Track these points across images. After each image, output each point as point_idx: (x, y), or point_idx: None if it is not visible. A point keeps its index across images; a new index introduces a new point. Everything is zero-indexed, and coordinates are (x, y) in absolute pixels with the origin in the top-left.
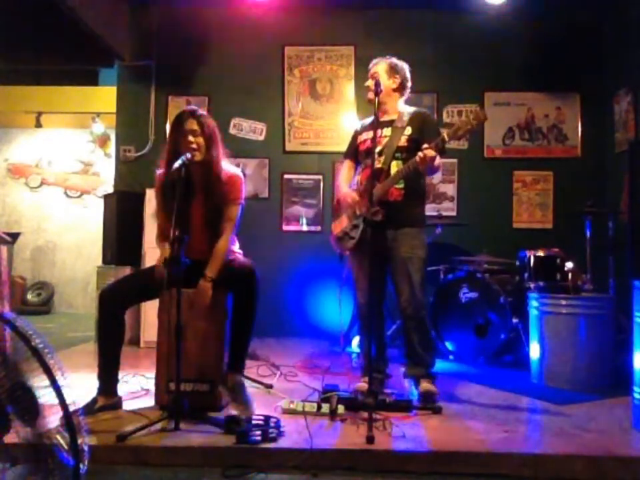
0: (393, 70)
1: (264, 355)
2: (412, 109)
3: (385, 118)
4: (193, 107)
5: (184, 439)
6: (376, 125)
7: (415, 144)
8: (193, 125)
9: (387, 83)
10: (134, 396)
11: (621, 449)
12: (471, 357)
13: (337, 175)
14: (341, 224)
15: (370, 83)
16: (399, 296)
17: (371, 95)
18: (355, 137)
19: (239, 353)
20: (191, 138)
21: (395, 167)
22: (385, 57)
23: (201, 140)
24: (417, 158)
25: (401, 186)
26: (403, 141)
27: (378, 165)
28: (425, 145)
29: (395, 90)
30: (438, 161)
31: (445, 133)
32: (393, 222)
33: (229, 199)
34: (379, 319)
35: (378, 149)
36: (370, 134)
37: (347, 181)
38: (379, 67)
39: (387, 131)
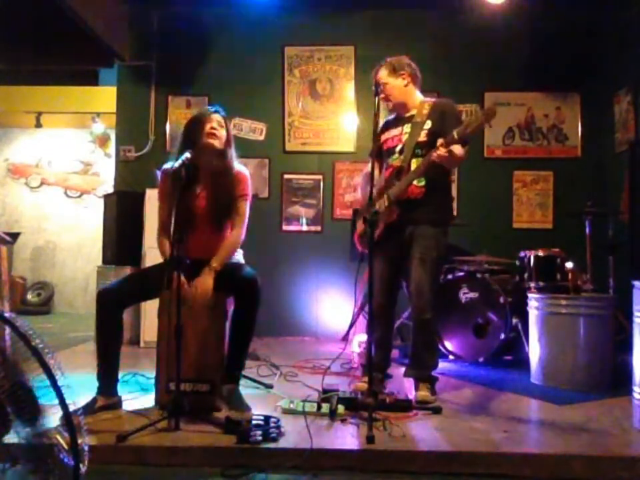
0: (395, 69)
1: (264, 355)
2: (432, 100)
3: (406, 114)
4: (218, 107)
5: (184, 438)
6: (375, 124)
7: (434, 138)
8: (218, 117)
9: (396, 83)
10: (134, 396)
11: (620, 448)
12: (471, 357)
13: (361, 175)
14: (362, 224)
15: (381, 93)
16: (410, 296)
17: (390, 105)
18: (379, 136)
19: (235, 364)
20: (215, 125)
21: (415, 164)
22: (380, 61)
23: (223, 133)
24: (430, 157)
25: (422, 183)
26: (422, 136)
27: (398, 163)
28: (440, 141)
29: (406, 85)
30: (460, 151)
31: (454, 132)
32: (411, 220)
33: (236, 195)
34: (386, 321)
35: (399, 147)
36: (391, 132)
37: (367, 181)
38: (381, 74)
39: (407, 127)
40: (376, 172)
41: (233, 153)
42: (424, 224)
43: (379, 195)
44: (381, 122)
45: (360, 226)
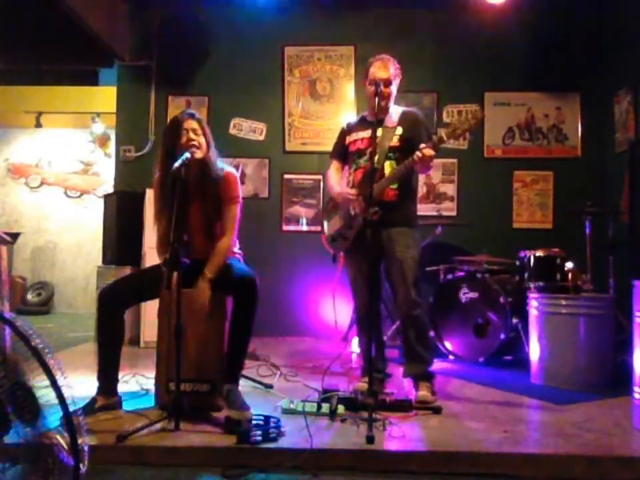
0: (398, 77)
1: (264, 355)
2: (401, 109)
3: (376, 119)
4: (191, 110)
5: (184, 438)
6: (375, 126)
7: (407, 143)
8: (193, 124)
9: (395, 89)
10: (134, 396)
11: (621, 449)
12: (471, 357)
13: (327, 176)
14: (335, 224)
15: (384, 89)
16: (394, 295)
17: (383, 103)
18: (342, 137)
19: (235, 364)
20: (192, 135)
21: (388, 167)
22: (382, 55)
23: (202, 139)
24: (415, 157)
25: (395, 186)
26: (394, 141)
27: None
28: (423, 145)
29: (395, 94)
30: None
31: (442, 132)
32: (387, 222)
33: (226, 198)
34: (376, 319)
35: (370, 149)
36: (359, 134)
37: (338, 182)
38: (393, 72)
39: (378, 131)
40: (338, 173)
41: (213, 153)
42: (400, 225)
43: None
44: (345, 124)
45: (329, 228)
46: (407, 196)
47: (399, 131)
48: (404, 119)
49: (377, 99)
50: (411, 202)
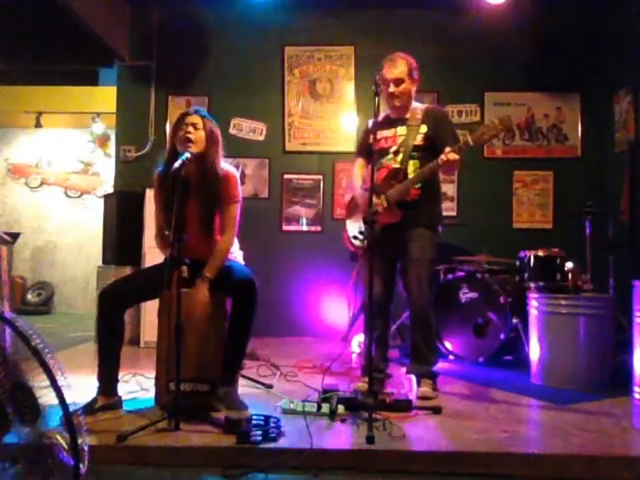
0: (412, 71)
1: (264, 355)
2: (424, 106)
3: (399, 117)
4: (199, 107)
5: (184, 438)
6: (376, 126)
7: (430, 142)
8: (194, 119)
9: (410, 86)
10: (134, 396)
11: (621, 448)
12: (471, 357)
13: (352, 174)
14: (357, 223)
15: (394, 89)
16: (408, 294)
17: (397, 102)
18: (366, 136)
19: (231, 367)
20: (190, 129)
21: (411, 166)
22: (393, 53)
23: (200, 134)
24: (440, 161)
25: (418, 185)
26: (418, 140)
27: (395, 164)
28: (448, 149)
29: (414, 92)
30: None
31: (469, 137)
32: (410, 222)
33: (225, 198)
34: (385, 319)
35: (394, 148)
36: (383, 133)
37: (361, 179)
38: (403, 69)
39: (402, 130)
40: (363, 171)
41: (216, 151)
42: (420, 227)
43: (376, 195)
44: (370, 122)
45: (352, 227)
46: (430, 196)
47: (423, 129)
48: (427, 117)
49: (392, 100)
50: (434, 202)
